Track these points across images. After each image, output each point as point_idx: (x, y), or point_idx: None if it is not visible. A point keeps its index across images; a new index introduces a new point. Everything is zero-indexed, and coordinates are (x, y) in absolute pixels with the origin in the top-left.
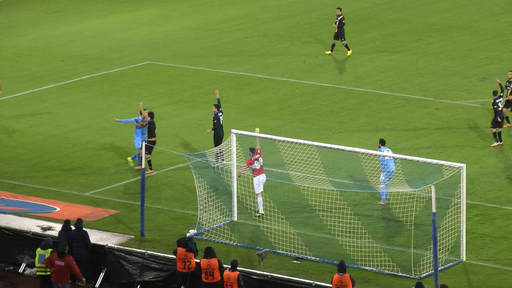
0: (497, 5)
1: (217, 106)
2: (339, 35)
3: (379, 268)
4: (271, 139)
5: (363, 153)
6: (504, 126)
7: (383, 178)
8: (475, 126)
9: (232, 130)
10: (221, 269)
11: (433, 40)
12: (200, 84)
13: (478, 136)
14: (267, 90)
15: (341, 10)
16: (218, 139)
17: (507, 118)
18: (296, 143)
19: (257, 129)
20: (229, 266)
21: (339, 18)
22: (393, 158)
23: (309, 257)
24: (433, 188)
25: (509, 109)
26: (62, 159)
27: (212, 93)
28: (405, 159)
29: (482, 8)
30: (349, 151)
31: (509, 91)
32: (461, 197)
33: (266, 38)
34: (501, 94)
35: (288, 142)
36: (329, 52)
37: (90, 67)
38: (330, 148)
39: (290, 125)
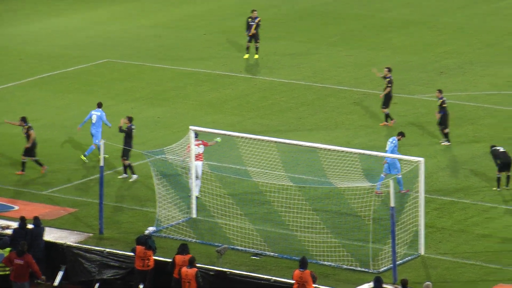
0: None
1: (130, 119)
2: (255, 36)
3: (338, 263)
4: (229, 135)
5: (321, 148)
6: (381, 124)
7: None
8: (434, 120)
9: (191, 127)
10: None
11: (392, 35)
12: (159, 82)
13: (436, 130)
14: (226, 87)
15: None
16: (128, 151)
17: (387, 115)
18: (254, 139)
19: (218, 139)
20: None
21: (256, 20)
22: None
23: (268, 253)
24: (391, 183)
25: (385, 107)
26: (20, 158)
27: (171, 90)
28: (363, 153)
29: (441, 2)
30: (308, 146)
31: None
32: (420, 191)
33: (224, 35)
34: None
35: (246, 138)
36: (248, 55)
37: (49, 66)
38: (288, 143)
39: (249, 121)
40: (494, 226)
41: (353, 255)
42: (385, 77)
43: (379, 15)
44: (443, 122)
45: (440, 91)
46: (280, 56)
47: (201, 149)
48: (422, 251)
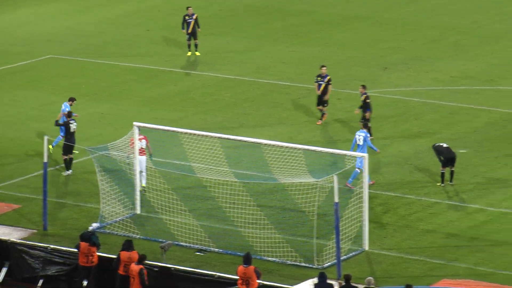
0: None
1: (69, 114)
2: (194, 34)
3: (282, 258)
4: (173, 131)
5: (265, 144)
6: (318, 123)
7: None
8: (377, 116)
9: (135, 123)
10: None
11: (336, 30)
12: (104, 78)
13: (380, 126)
14: (169, 83)
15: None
16: (68, 147)
17: (323, 115)
18: (198, 135)
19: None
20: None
21: (194, 17)
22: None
23: (212, 248)
24: (335, 178)
25: (323, 106)
26: None
27: (115, 86)
28: (307, 149)
29: None
30: (252, 142)
31: (322, 86)
32: (364, 187)
33: (168, 30)
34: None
35: (190, 134)
36: (190, 53)
37: None
38: (232, 139)
39: (193, 117)
40: (438, 221)
41: (297, 251)
42: (321, 76)
43: (323, 10)
44: (364, 117)
45: (363, 86)
46: (224, 51)
47: (143, 144)
48: (366, 246)
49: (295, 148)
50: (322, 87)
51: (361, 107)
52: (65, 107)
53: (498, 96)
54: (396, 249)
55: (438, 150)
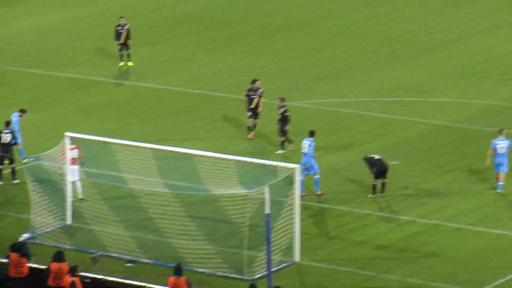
0: (336, 4)
1: (7, 123)
2: (126, 44)
3: (213, 269)
4: (106, 141)
5: (197, 154)
6: (249, 136)
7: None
8: (310, 127)
9: (66, 133)
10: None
11: (272, 40)
12: (36, 87)
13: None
14: (104, 93)
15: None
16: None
17: (254, 126)
18: (130, 145)
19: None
20: None
21: (126, 27)
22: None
23: (143, 259)
24: (267, 189)
25: (254, 118)
26: None
27: (48, 96)
28: (239, 160)
29: (320, 8)
30: (184, 153)
31: (256, 99)
32: (295, 198)
33: (102, 40)
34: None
35: (123, 144)
36: (123, 63)
37: None
38: (164, 150)
39: (126, 128)
40: (370, 233)
41: (228, 262)
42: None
43: (256, 20)
44: (283, 130)
45: (282, 99)
46: (157, 62)
47: (75, 153)
48: (297, 258)
49: (226, 159)
50: (255, 101)
51: (280, 120)
52: (15, 117)
53: (430, 108)
54: (327, 261)
55: (370, 162)
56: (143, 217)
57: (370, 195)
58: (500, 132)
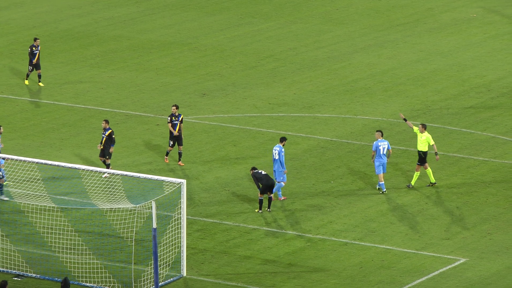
0: (217, 21)
1: None
2: (37, 66)
3: (100, 284)
4: None
5: (83, 169)
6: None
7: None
8: (196, 141)
9: None
10: None
11: (154, 56)
12: None
13: (199, 151)
14: None
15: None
16: None
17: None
18: (16, 160)
19: None
20: None
21: (39, 48)
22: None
23: (30, 274)
24: (153, 204)
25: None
26: None
27: None
28: (126, 175)
29: (202, 24)
30: (69, 167)
31: (178, 125)
32: (182, 213)
33: None
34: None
35: (8, 159)
36: (28, 82)
37: None
38: (50, 164)
39: (10, 142)
40: (256, 247)
41: (116, 276)
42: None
43: (140, 36)
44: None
45: (106, 121)
46: (42, 77)
47: None
48: (184, 272)
49: (113, 174)
50: (177, 127)
51: (106, 142)
52: None
53: (316, 123)
54: (214, 275)
55: (257, 177)
56: (30, 232)
57: (257, 210)
58: (380, 134)
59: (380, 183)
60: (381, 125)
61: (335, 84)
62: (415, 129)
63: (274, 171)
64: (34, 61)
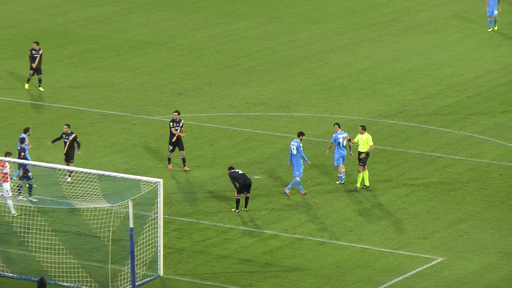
0: (193, 21)
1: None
2: (38, 70)
3: (77, 284)
4: None
5: (60, 169)
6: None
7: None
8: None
9: None
10: None
11: (130, 56)
12: None
13: (176, 151)
14: None
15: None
16: None
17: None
18: None
19: None
20: None
21: (39, 52)
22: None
23: (6, 273)
24: (130, 204)
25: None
26: None
27: None
28: (102, 174)
29: (179, 24)
30: (46, 167)
31: (178, 131)
32: (158, 212)
33: None
34: None
35: None
36: (28, 86)
37: None
38: (26, 164)
39: None
40: (233, 247)
41: (92, 276)
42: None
43: (116, 35)
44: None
45: (68, 125)
46: (18, 76)
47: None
48: (161, 272)
49: (90, 173)
50: (178, 132)
51: (69, 146)
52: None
53: (292, 122)
54: (191, 275)
55: (233, 176)
56: (6, 232)
57: (234, 210)
58: (338, 126)
59: (339, 175)
60: (357, 124)
61: (311, 83)
62: (356, 139)
63: (292, 165)
64: (34, 65)
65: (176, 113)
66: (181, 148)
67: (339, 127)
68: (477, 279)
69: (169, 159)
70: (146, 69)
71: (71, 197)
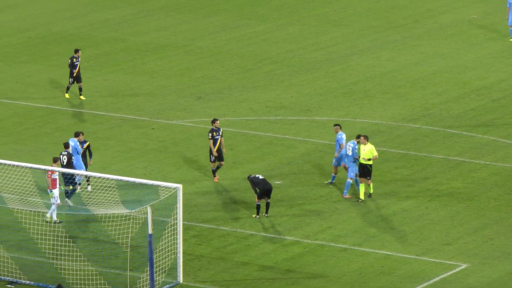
0: (212, 23)
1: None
2: (78, 78)
3: None
4: None
5: (77, 173)
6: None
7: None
8: (192, 145)
9: None
10: None
11: (148, 59)
12: None
13: (195, 156)
14: None
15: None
16: None
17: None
18: (9, 165)
19: None
20: None
21: (79, 59)
22: None
23: (23, 281)
24: (149, 209)
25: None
26: None
27: None
28: (121, 180)
29: (198, 26)
30: (64, 172)
31: (219, 140)
32: (178, 218)
33: None
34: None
35: (1, 164)
36: (68, 95)
37: None
38: (44, 169)
39: (3, 147)
40: (253, 253)
41: (111, 283)
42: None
43: (134, 38)
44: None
45: (82, 133)
46: (35, 80)
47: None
48: (180, 279)
49: (108, 179)
50: (218, 142)
51: (83, 155)
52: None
53: (314, 127)
54: (211, 282)
55: (254, 182)
56: (24, 238)
57: (254, 215)
58: (339, 126)
59: (333, 175)
60: (380, 128)
61: (333, 86)
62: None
63: (348, 167)
64: (75, 73)
65: (218, 122)
66: (221, 159)
67: (340, 128)
68: (502, 285)
69: (213, 171)
70: (165, 72)
71: (89, 204)
